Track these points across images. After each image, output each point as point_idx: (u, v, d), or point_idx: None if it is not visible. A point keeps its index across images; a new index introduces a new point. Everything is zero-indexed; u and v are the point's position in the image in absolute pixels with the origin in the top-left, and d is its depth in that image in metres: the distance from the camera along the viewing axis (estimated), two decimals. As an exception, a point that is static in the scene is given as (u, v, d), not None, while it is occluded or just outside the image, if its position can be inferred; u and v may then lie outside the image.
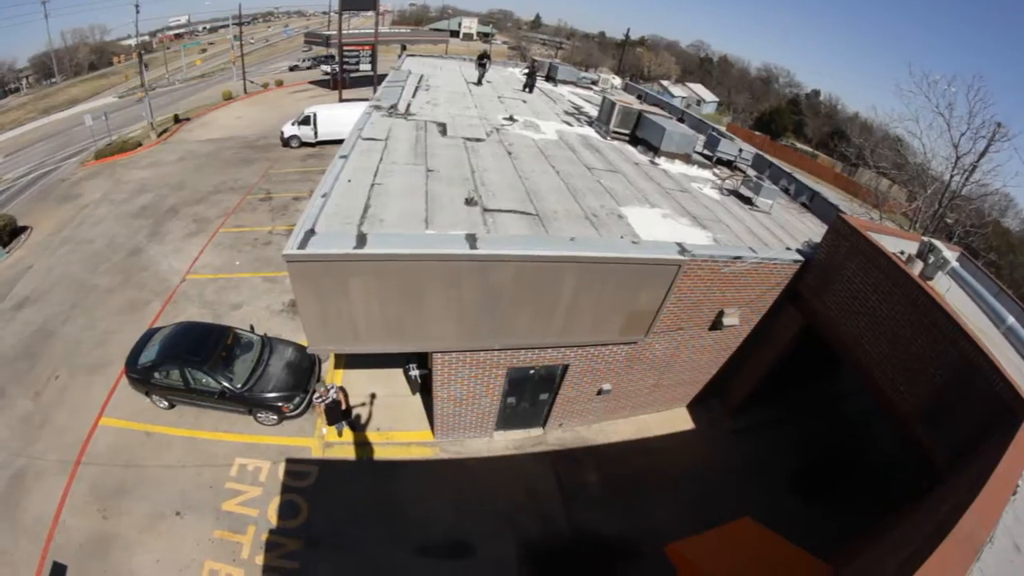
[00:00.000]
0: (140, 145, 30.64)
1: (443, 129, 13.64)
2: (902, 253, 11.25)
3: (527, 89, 20.90)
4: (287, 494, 10.19)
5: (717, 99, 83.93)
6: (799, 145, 65.76)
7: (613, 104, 15.69)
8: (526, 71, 21.80)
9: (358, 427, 11.59)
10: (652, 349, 10.58)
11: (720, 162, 15.88)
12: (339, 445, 11.21)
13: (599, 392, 11.03)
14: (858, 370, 10.23)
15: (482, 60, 20.98)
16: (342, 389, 11.46)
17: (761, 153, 16.81)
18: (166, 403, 11.54)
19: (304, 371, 11.99)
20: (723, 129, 20.53)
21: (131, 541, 9.22)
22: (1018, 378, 8.07)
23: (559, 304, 8.62)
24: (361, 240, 7.30)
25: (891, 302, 9.61)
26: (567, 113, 18.85)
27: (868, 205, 30.70)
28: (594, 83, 26.05)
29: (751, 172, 15.15)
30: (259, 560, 9.15)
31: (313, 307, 7.71)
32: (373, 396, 12.30)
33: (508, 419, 11.28)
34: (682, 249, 9.01)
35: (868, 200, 32.18)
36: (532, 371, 10.23)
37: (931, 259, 11.15)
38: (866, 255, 10.07)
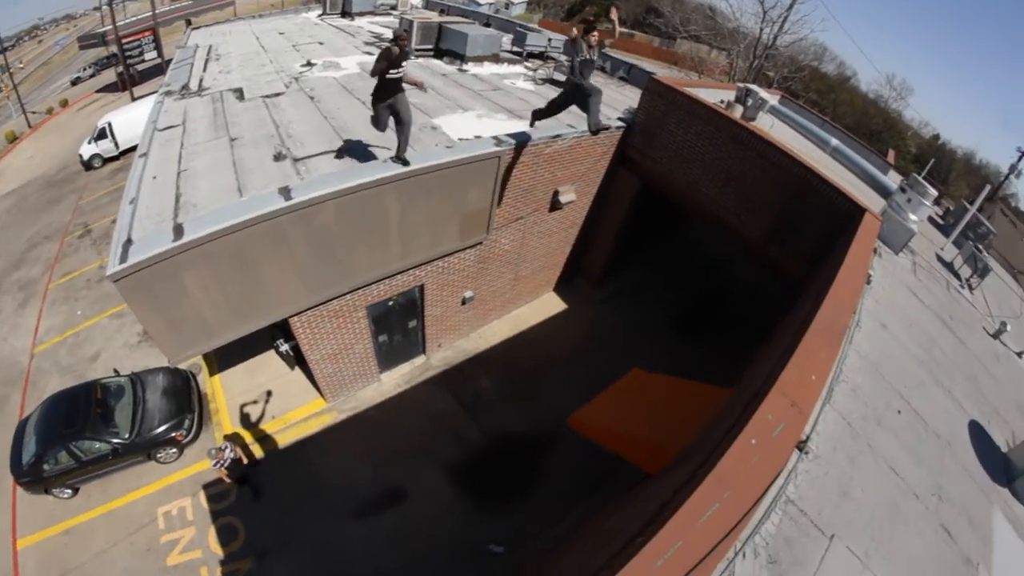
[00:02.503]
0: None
1: (240, 94, 12.68)
2: (722, 102, 11.97)
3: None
4: (219, 520, 9.92)
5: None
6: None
7: (411, 22, 15.12)
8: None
9: (254, 424, 11.21)
10: (499, 245, 10.78)
11: (531, 56, 15.88)
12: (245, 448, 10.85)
13: (463, 301, 11.18)
14: (701, 212, 10.98)
15: None
16: (233, 441, 10.82)
17: (568, 38, 16.93)
18: (68, 491, 10.51)
19: (182, 391, 11.39)
20: (533, 25, 20.45)
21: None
22: (849, 188, 9.04)
23: (391, 228, 8.56)
24: (179, 231, 6.90)
25: (717, 145, 10.33)
26: (368, 44, 18.01)
27: (687, 70, 32.29)
28: (393, 7, 24.90)
29: (563, 59, 15.27)
30: (223, 594, 8.86)
31: (156, 318, 7.27)
32: (265, 391, 11.88)
33: (388, 357, 11.27)
34: (499, 141, 9.01)
35: (687, 66, 33.83)
36: (391, 302, 10.18)
37: (750, 102, 12.05)
38: (684, 108, 10.67)
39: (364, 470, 10.28)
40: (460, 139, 9.51)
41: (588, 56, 7.82)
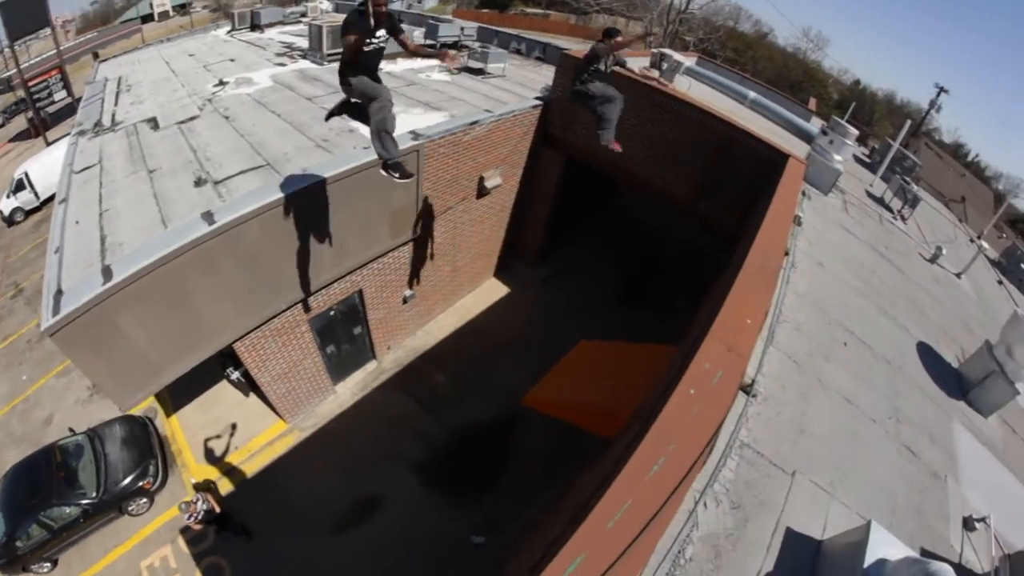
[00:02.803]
0: None
1: (154, 123, 12.29)
2: (639, 69, 12.09)
3: None
4: (203, 561, 9.67)
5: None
6: (528, 10, 67.23)
7: (320, 28, 14.85)
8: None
9: (219, 458, 10.94)
10: (432, 238, 10.68)
11: (446, 46, 15.78)
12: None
13: (405, 300, 11.15)
14: (629, 179, 11.13)
15: None
16: (206, 491, 10.25)
17: (484, 26, 16.96)
18: (47, 564, 10.02)
19: (142, 438, 11.00)
20: (446, 16, 20.33)
21: None
22: (771, 137, 9.27)
23: (319, 237, 8.45)
24: (107, 274, 6.71)
25: (637, 111, 10.48)
26: (279, 55, 17.65)
27: (605, 42, 32.56)
28: (303, 15, 24.39)
29: (476, 46, 15.24)
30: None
31: (99, 366, 7.11)
32: (224, 423, 11.56)
33: (339, 368, 11.18)
34: (416, 135, 8.94)
35: None
36: (332, 311, 10.04)
37: (664, 66, 12.21)
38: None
39: (335, 484, 10.14)
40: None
41: (603, 67, 7.53)
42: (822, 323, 7.44)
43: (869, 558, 3.94)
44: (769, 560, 4.30)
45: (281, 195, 7.63)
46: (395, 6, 32.42)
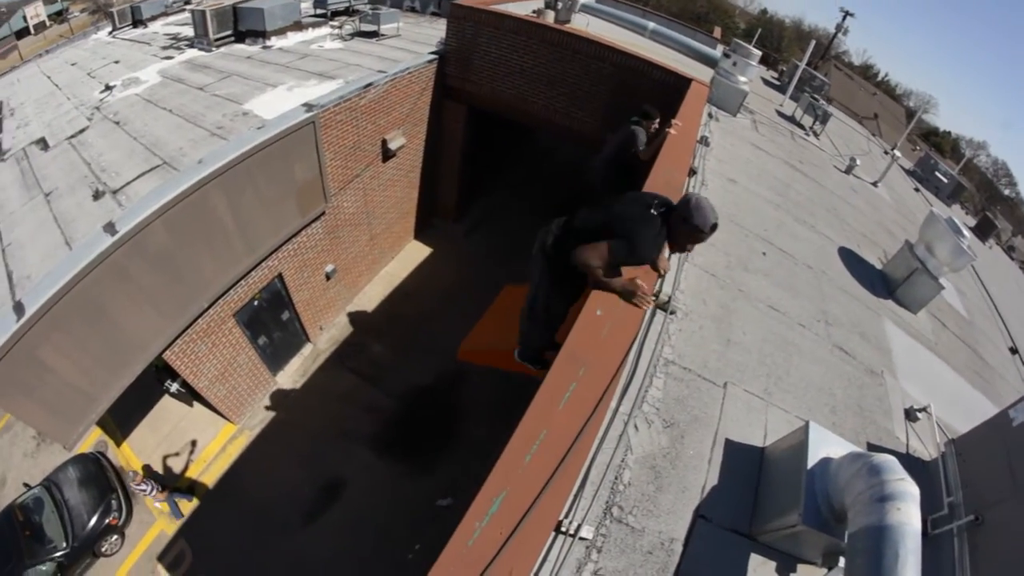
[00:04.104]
0: None
1: (43, 144, 11.56)
2: (534, 11, 11.94)
3: None
4: None
5: (326, -45, 78.46)
6: None
7: (204, 13, 14.05)
8: None
9: (178, 475, 10.68)
10: (344, 210, 10.58)
11: (337, 13, 15.24)
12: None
13: (327, 277, 11.01)
14: (536, 121, 11.11)
15: None
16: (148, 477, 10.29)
17: (375, -16, 16.37)
18: None
19: (97, 475, 10.59)
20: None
21: None
22: (674, 64, 9.28)
23: (227, 226, 8.21)
24: (19, 309, 6.41)
25: (534, 53, 10.42)
26: (165, 48, 16.69)
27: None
28: (187, 2, 23.07)
29: (367, 8, 14.76)
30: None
31: (31, 408, 6.87)
32: (175, 438, 11.19)
33: (276, 357, 11.01)
34: (309, 107, 8.70)
35: None
36: (256, 301, 9.79)
37: (560, 5, 12.13)
38: (493, 25, 10.65)
39: (296, 475, 10.04)
40: (273, 116, 9.13)
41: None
42: (738, 236, 7.52)
43: (812, 458, 3.94)
44: (712, 473, 4.32)
45: (179, 190, 7.37)
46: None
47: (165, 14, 22.17)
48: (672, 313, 5.25)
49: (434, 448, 10.29)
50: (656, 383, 4.67)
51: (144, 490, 9.73)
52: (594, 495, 3.60)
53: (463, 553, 2.47)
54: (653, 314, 4.99)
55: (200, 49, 14.80)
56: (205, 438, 10.89)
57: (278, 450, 10.38)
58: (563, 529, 3.28)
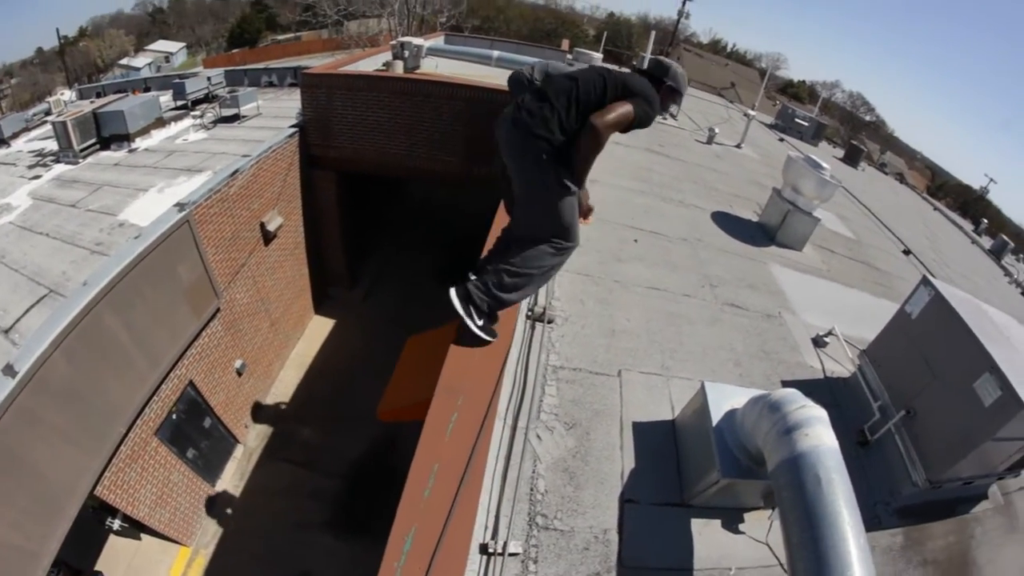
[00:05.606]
0: None
1: None
2: (384, 65, 12.16)
3: None
4: None
5: (184, 43, 75.58)
6: (280, 38, 65.75)
7: (64, 124, 13.46)
8: None
9: None
10: (238, 302, 10.39)
11: (197, 102, 14.98)
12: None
13: (239, 373, 10.67)
14: (404, 171, 11.37)
15: None
16: None
17: (229, 68, 16.37)
18: None
19: None
20: (191, 71, 19.20)
21: None
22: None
23: (125, 344, 7.90)
24: None
25: (388, 106, 10.62)
26: (31, 167, 15.78)
27: (362, 48, 32.63)
28: (48, 113, 21.96)
29: (226, 92, 14.59)
30: None
31: None
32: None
33: (209, 467, 10.51)
34: (181, 206, 8.55)
35: (361, 44, 34.02)
36: (173, 415, 9.36)
37: (406, 54, 12.40)
38: (344, 87, 10.80)
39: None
40: (148, 222, 8.88)
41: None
42: (605, 232, 7.77)
43: (716, 414, 4.08)
44: (627, 458, 4.43)
45: (71, 317, 7.01)
46: (144, 72, 29.92)
47: (27, 129, 20.93)
48: (550, 322, 5.33)
49: (388, 513, 10.00)
50: (549, 391, 4.76)
51: None
52: (512, 510, 3.66)
53: (390, 595, 2.37)
54: (532, 328, 5.09)
55: (67, 162, 14.11)
56: (161, 569, 10.12)
57: (239, 560, 9.76)
58: (491, 550, 3.34)
